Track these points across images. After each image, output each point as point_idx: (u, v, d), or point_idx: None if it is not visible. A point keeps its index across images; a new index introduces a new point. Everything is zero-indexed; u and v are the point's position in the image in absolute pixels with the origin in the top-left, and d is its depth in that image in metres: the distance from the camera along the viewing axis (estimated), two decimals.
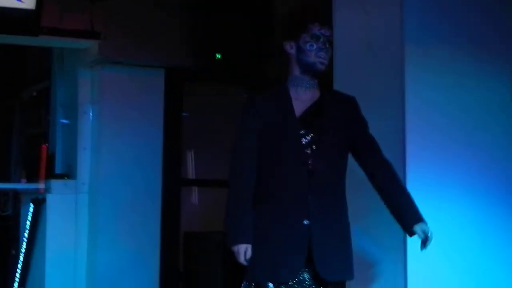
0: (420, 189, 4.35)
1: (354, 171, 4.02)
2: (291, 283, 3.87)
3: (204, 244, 7.55)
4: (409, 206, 3.91)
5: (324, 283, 3.87)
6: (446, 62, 4.54)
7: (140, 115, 7.33)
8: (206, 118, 8.12)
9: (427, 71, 4.48)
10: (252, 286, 3.97)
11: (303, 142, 3.95)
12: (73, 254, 7.25)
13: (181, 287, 7.62)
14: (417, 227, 3.85)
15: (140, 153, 7.33)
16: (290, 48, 4.08)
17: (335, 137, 3.97)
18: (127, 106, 7.30)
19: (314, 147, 3.94)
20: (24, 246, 7.48)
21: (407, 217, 3.89)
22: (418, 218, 3.87)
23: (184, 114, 7.73)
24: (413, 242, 4.30)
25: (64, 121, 7.75)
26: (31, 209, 7.41)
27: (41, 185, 7.44)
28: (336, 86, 4.53)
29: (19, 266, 7.50)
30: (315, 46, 3.99)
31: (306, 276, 3.89)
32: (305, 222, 3.88)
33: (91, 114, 7.37)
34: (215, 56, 7.33)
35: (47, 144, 7.77)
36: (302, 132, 3.96)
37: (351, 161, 3.99)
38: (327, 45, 4.00)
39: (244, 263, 3.93)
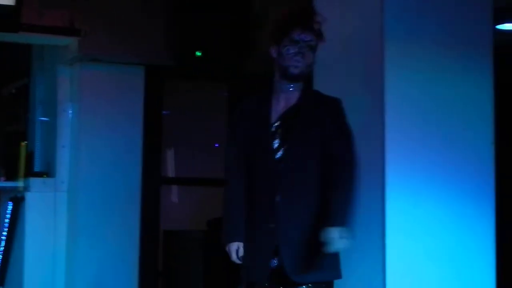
0: (399, 185, 4.37)
1: None
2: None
3: (184, 243, 7.53)
4: (334, 209, 3.88)
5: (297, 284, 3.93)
6: (425, 59, 4.55)
7: (120, 113, 7.31)
8: (186, 115, 8.12)
9: (407, 68, 4.48)
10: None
11: (274, 147, 4.00)
12: (52, 252, 7.23)
13: (160, 285, 7.60)
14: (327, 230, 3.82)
15: (119, 151, 7.31)
16: (273, 53, 4.12)
17: (306, 142, 3.98)
18: (107, 104, 7.28)
19: (283, 152, 3.98)
20: (2, 244, 7.44)
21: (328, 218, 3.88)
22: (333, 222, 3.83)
23: (164, 112, 7.72)
24: (392, 238, 4.32)
25: (43, 118, 7.72)
26: (10, 207, 7.37)
27: (20, 183, 7.41)
28: (316, 85, 4.53)
29: None
30: (291, 51, 4.03)
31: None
32: (271, 225, 3.96)
33: (70, 112, 7.34)
34: (195, 53, 7.32)
35: (26, 142, 7.73)
36: (274, 137, 4.02)
37: None
38: (307, 50, 4.03)
39: (237, 261, 4.05)
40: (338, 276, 4.01)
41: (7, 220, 7.40)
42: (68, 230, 7.26)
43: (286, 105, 4.07)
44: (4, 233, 7.43)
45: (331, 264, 3.97)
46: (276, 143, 4.01)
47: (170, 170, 8.16)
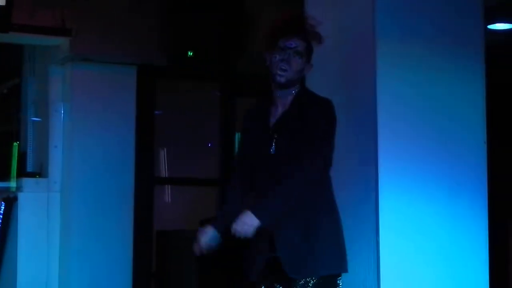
0: (392, 184, 4.38)
1: None
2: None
3: (177, 243, 7.52)
4: (263, 199, 3.98)
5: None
6: (417, 58, 4.55)
7: (112, 113, 7.30)
8: (179, 115, 8.11)
9: (399, 67, 4.48)
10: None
11: (271, 151, 4.05)
12: (45, 253, 7.22)
13: (153, 286, 7.60)
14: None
15: (112, 151, 7.30)
16: (267, 60, 4.15)
17: (299, 144, 3.99)
18: (99, 104, 7.27)
19: (278, 155, 4.03)
20: None
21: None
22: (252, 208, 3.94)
23: (156, 111, 7.71)
24: (385, 236, 4.32)
25: (35, 119, 7.70)
26: (2, 208, 7.35)
27: (12, 184, 7.39)
28: (308, 84, 4.52)
29: None
30: (277, 58, 4.07)
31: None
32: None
33: (62, 111, 7.33)
34: (187, 53, 7.31)
35: (18, 142, 7.71)
36: (271, 142, 4.06)
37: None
38: (293, 57, 4.06)
39: (201, 245, 4.19)
40: (340, 269, 4.03)
41: None
42: (61, 231, 7.25)
43: (283, 110, 4.12)
44: None
45: (331, 259, 3.99)
46: (272, 148, 4.05)
47: (163, 170, 8.16)
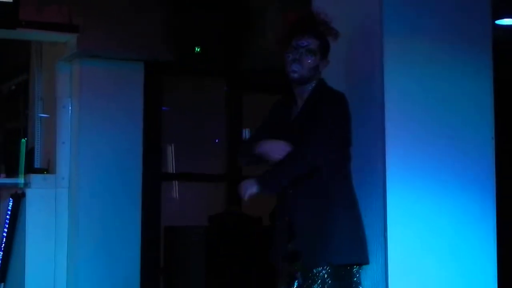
0: (400, 180, 4.37)
1: None
2: None
3: (185, 239, 7.54)
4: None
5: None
6: (425, 54, 4.53)
7: (119, 109, 7.31)
8: (186, 111, 8.12)
9: (406, 63, 4.47)
10: None
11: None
12: (53, 249, 7.24)
13: (161, 282, 7.61)
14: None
15: (120, 147, 7.31)
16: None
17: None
18: (106, 100, 7.28)
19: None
20: (3, 241, 7.44)
21: None
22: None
23: (163, 107, 7.71)
24: (393, 232, 4.32)
25: (43, 115, 7.71)
26: (10, 204, 7.37)
27: (20, 180, 7.41)
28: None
29: None
30: (290, 57, 4.23)
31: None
32: (286, 218, 4.18)
33: (70, 108, 7.34)
34: (194, 49, 7.31)
35: (26, 139, 7.73)
36: (289, 135, 4.18)
37: None
38: (305, 55, 4.20)
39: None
40: (356, 260, 4.14)
41: (7, 217, 7.40)
42: (69, 226, 7.26)
43: (298, 107, 4.28)
44: (5, 230, 7.43)
45: (346, 249, 4.10)
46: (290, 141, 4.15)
47: (171, 166, 8.17)
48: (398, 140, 4.42)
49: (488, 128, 4.63)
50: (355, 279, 4.14)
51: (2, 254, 7.46)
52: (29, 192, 7.24)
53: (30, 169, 7.47)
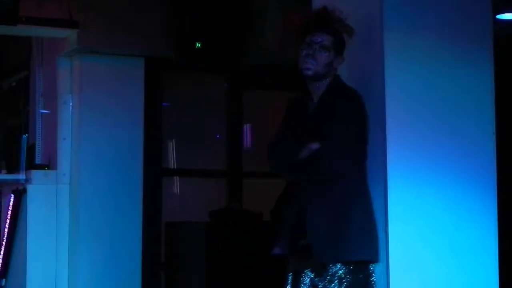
0: (400, 175, 4.37)
1: None
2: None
3: (185, 234, 7.54)
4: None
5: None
6: (426, 49, 4.53)
7: (120, 105, 7.32)
8: (187, 107, 8.12)
9: (407, 59, 4.46)
10: None
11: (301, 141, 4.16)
12: (54, 244, 7.24)
13: (162, 277, 7.61)
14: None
15: (120, 143, 7.32)
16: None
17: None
18: (107, 96, 7.29)
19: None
20: (5, 237, 7.45)
21: None
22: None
23: (164, 103, 7.71)
24: (394, 228, 4.32)
25: (44, 111, 7.71)
26: (11, 200, 7.37)
27: (21, 176, 7.41)
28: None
29: (0, 257, 7.47)
30: (304, 52, 4.21)
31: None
32: (300, 213, 4.16)
33: (70, 104, 7.33)
34: (194, 45, 7.31)
35: (27, 135, 7.73)
36: (306, 131, 4.18)
37: None
38: (318, 51, 4.19)
39: None
40: (370, 257, 4.15)
41: (9, 213, 7.41)
42: (70, 222, 7.27)
43: (314, 104, 4.27)
44: (6, 226, 7.44)
45: (361, 245, 4.11)
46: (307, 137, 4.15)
47: (171, 162, 8.17)
48: (398, 136, 4.42)
49: (489, 123, 4.62)
50: (372, 278, 4.15)
51: (4, 250, 7.47)
52: (30, 188, 7.25)
53: (31, 165, 7.48)
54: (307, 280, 4.17)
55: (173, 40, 7.32)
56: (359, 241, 4.10)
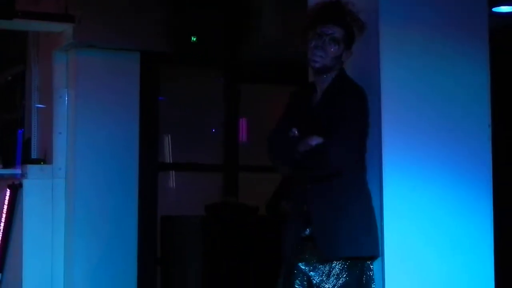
0: (396, 168, 4.38)
1: None
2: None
3: (181, 228, 7.54)
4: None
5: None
6: (421, 43, 4.53)
7: (116, 99, 7.31)
8: (183, 101, 8.12)
9: (402, 52, 4.47)
10: None
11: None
12: (50, 239, 7.23)
13: (158, 271, 7.61)
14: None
15: (116, 138, 7.31)
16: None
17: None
18: (102, 90, 7.28)
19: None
20: (1, 232, 7.45)
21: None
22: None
23: (160, 97, 7.71)
24: (390, 222, 4.33)
25: (40, 105, 7.71)
26: (7, 195, 7.37)
27: (17, 171, 7.40)
28: (310, 69, 4.55)
29: None
30: (313, 43, 4.15)
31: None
32: (304, 207, 4.13)
33: (66, 98, 7.33)
34: (190, 39, 7.30)
35: (23, 129, 7.72)
36: (309, 126, 4.13)
37: None
38: (328, 43, 4.13)
39: None
40: (373, 253, 4.16)
41: (5, 208, 7.40)
42: (66, 217, 7.26)
43: (318, 97, 4.22)
44: (2, 220, 7.43)
45: (361, 241, 4.10)
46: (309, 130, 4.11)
47: (167, 156, 8.17)
48: (394, 130, 4.43)
49: (484, 116, 4.63)
50: (369, 273, 4.14)
51: (0, 245, 7.46)
52: (26, 183, 7.23)
53: (27, 159, 7.47)
54: (301, 275, 4.14)
55: (169, 34, 7.31)
56: (361, 236, 4.10)
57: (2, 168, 7.61)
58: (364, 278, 4.13)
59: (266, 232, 7.09)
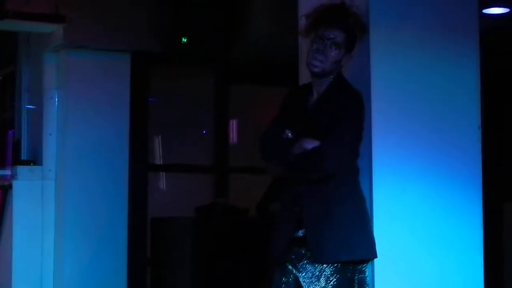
0: (386, 170, 4.37)
1: None
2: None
3: (171, 230, 7.54)
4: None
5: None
6: (412, 45, 4.53)
7: (106, 100, 7.30)
8: (173, 102, 8.12)
9: (393, 53, 4.47)
10: None
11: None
12: (40, 240, 7.22)
13: (148, 272, 7.61)
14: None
15: (106, 139, 7.30)
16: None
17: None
18: (93, 91, 7.27)
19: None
20: None
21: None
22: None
23: (150, 98, 7.70)
24: (380, 223, 4.33)
25: (30, 106, 7.69)
26: None
27: (7, 172, 7.38)
28: (301, 73, 4.54)
29: None
30: (314, 46, 4.06)
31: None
32: (296, 209, 4.06)
33: (56, 99, 7.31)
34: (181, 40, 7.30)
35: (12, 130, 7.71)
36: (303, 128, 4.07)
37: None
38: (329, 47, 4.05)
39: None
40: (366, 256, 4.08)
41: None
42: (56, 218, 7.25)
43: (317, 98, 4.15)
44: None
45: (354, 244, 4.02)
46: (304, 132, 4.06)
47: (157, 157, 8.16)
48: (384, 130, 4.43)
49: (474, 118, 4.64)
50: (361, 275, 4.06)
51: None
52: (16, 184, 7.22)
53: (17, 160, 7.46)
54: (290, 276, 4.10)
55: (159, 35, 7.31)
56: (355, 239, 4.02)
57: None
58: (356, 281, 4.07)
59: (256, 233, 7.09)
